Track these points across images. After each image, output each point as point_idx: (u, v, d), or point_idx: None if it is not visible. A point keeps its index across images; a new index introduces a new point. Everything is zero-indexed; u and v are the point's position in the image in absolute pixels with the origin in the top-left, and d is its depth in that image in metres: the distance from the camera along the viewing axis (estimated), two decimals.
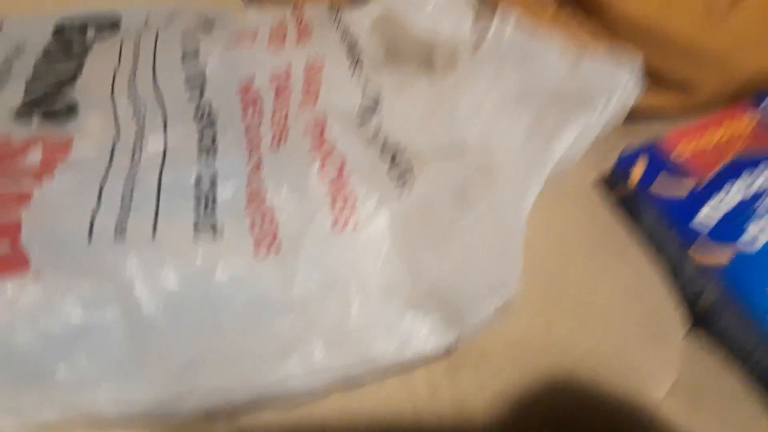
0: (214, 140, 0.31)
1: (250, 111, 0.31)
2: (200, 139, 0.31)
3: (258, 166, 0.29)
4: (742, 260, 0.31)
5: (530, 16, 0.44)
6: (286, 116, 0.29)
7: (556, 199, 0.38)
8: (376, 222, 0.26)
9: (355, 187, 0.27)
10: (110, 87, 0.35)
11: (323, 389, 0.26)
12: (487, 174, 0.25)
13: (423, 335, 0.26)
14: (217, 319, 0.25)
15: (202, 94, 0.33)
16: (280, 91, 0.30)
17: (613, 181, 0.38)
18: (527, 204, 0.24)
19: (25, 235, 0.26)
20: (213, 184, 0.29)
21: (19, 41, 0.41)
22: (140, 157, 0.31)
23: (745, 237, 0.31)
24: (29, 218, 0.26)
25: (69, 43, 0.40)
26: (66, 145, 0.31)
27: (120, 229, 0.26)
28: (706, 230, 0.32)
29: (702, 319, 0.34)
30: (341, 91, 0.29)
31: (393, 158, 0.27)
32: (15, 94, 0.36)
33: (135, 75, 0.35)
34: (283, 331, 0.25)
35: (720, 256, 0.31)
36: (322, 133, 0.28)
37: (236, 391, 0.26)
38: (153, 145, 0.31)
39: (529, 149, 0.25)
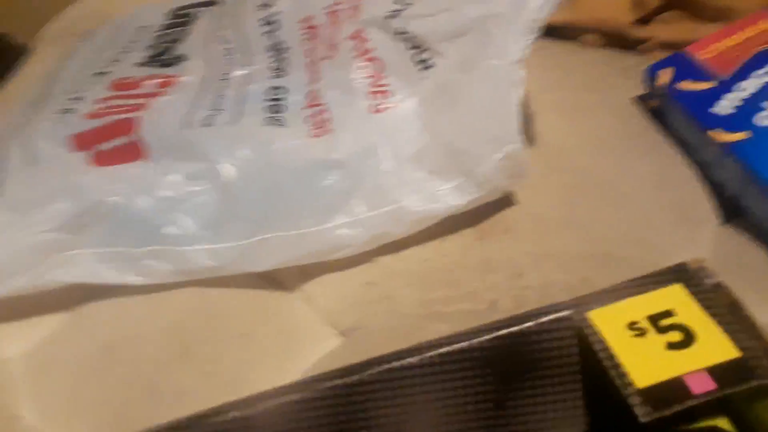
0: (283, 64, 0.39)
1: (310, 37, 0.38)
2: (273, 65, 0.39)
3: (316, 78, 0.36)
4: (757, 136, 0.33)
5: None
6: (336, 34, 0.36)
7: (595, 111, 0.42)
8: (405, 105, 0.32)
9: (389, 79, 0.33)
10: (203, 37, 0.43)
11: (365, 239, 0.32)
12: (482, 29, 0.29)
13: (445, 192, 0.31)
14: (280, 181, 0.31)
15: (274, 31, 0.40)
16: (331, 15, 0.37)
17: (648, 93, 0.42)
18: (516, 52, 0.29)
19: (142, 130, 0.34)
20: (281, 94, 0.36)
21: (143, 23, 0.51)
22: (228, 81, 0.39)
23: (760, 117, 0.34)
24: (145, 119, 0.35)
25: (179, 18, 0.50)
26: (175, 78, 0.40)
27: (207, 122, 0.34)
28: (726, 113, 0.35)
29: (735, 213, 0.36)
30: (376, 3, 0.35)
31: (417, 47, 0.33)
32: (139, 55, 0.46)
33: (227, 27, 0.43)
34: (331, 187, 0.31)
35: (737, 134, 0.34)
36: (362, 39, 0.34)
37: (298, 243, 0.32)
38: (239, 72, 0.39)
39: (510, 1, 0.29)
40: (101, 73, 0.43)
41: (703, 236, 0.35)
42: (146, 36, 0.49)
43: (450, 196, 0.31)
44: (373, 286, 0.33)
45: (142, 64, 0.43)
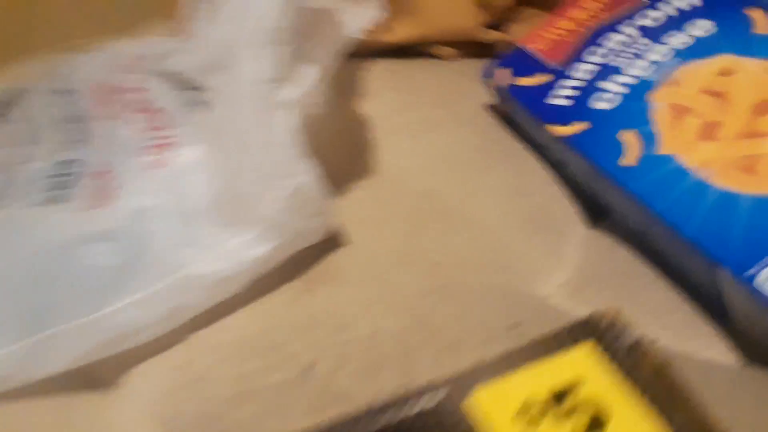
0: (77, 135, 0.34)
1: (103, 101, 0.34)
2: (61, 139, 0.34)
3: (106, 143, 0.32)
4: (595, 124, 0.30)
5: None
6: (122, 90, 0.32)
7: (444, 127, 0.38)
8: (190, 155, 0.28)
9: (173, 130, 0.29)
10: None
11: (159, 317, 0.27)
12: (228, 54, 0.25)
13: (241, 246, 0.26)
14: (47, 266, 0.26)
15: (69, 103, 0.36)
16: (120, 73, 0.33)
17: (497, 100, 0.38)
18: (263, 69, 0.24)
19: None
20: (73, 167, 0.32)
21: None
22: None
23: (597, 100, 0.30)
24: None
25: None
26: None
27: None
28: (561, 104, 0.31)
29: (600, 215, 0.32)
30: (155, 50, 0.31)
31: (193, 87, 0.29)
32: None
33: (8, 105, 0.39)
34: (107, 260, 0.26)
35: (574, 126, 0.30)
36: (142, 91, 0.30)
37: (83, 334, 0.27)
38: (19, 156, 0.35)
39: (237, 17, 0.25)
40: None
41: (568, 247, 0.31)
42: None
43: (245, 250, 0.26)
44: (187, 368, 0.28)
45: None
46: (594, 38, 0.33)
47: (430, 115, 0.39)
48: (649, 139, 0.27)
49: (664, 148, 0.27)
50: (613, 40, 0.32)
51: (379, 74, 0.45)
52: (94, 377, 0.30)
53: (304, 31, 0.29)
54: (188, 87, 0.29)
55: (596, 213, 0.31)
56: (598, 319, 0.17)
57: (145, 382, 0.29)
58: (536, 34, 0.36)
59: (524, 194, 0.33)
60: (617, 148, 0.28)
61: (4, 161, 0.32)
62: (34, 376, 0.28)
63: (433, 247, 0.30)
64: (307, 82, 0.27)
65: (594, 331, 0.16)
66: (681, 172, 0.25)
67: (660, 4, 0.32)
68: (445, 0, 0.46)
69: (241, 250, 0.26)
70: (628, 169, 0.27)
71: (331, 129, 0.33)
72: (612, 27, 0.33)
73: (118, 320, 0.27)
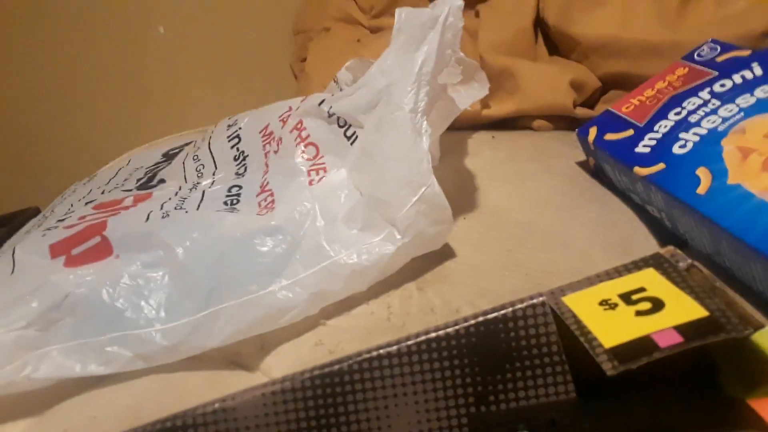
0: (244, 168, 0.43)
1: (267, 140, 0.43)
2: (235, 171, 0.43)
3: (267, 170, 0.40)
4: (671, 165, 0.35)
5: (517, 51, 0.54)
6: (283, 130, 0.41)
7: (539, 176, 0.45)
8: (337, 175, 0.35)
9: (325, 158, 0.37)
10: (182, 162, 0.49)
11: (305, 298, 0.33)
12: (387, 94, 0.33)
13: (375, 245, 0.33)
14: (224, 252, 0.34)
15: (237, 144, 0.45)
16: (282, 120, 0.42)
17: (586, 155, 0.44)
18: (411, 102, 0.31)
19: (107, 230, 0.38)
20: (238, 190, 0.40)
21: (139, 165, 0.58)
22: (195, 189, 0.43)
23: (673, 151, 0.36)
24: (110, 221, 0.38)
25: (167, 156, 0.56)
26: (150, 194, 0.44)
27: (166, 214, 0.37)
28: (645, 152, 0.37)
29: (677, 245, 0.36)
30: (312, 97, 0.40)
31: (344, 125, 0.37)
32: (128, 185, 0.51)
33: (200, 149, 0.49)
34: (271, 251, 0.33)
35: (655, 167, 0.36)
36: (301, 128, 0.39)
37: (245, 311, 0.34)
38: (206, 180, 0.44)
39: (403, 66, 0.33)
40: (90, 201, 0.48)
41: None
42: (139, 173, 0.54)
43: (379, 248, 0.33)
44: (321, 346, 0.34)
45: (128, 190, 0.49)
46: (673, 101, 0.39)
47: (525, 168, 0.45)
48: (719, 173, 0.32)
49: (731, 179, 0.32)
50: (690, 102, 0.38)
51: (480, 138, 0.52)
52: (238, 358, 0.37)
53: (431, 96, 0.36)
54: (337, 124, 0.37)
55: (674, 244, 0.36)
56: (660, 254, 0.21)
57: (285, 362, 0.35)
58: (624, 101, 0.42)
59: (609, 226, 0.38)
60: (693, 181, 0.33)
61: (196, 182, 0.42)
62: (200, 347, 0.35)
63: (527, 261, 0.35)
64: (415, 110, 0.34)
65: (654, 261, 0.21)
66: (746, 196, 0.30)
67: (729, 76, 0.38)
68: (543, 81, 0.53)
69: (375, 247, 0.33)
70: (701, 196, 0.32)
71: (440, 177, 0.40)
72: (689, 93, 0.39)
73: (273, 300, 0.33)
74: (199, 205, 0.39)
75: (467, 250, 0.37)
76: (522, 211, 0.40)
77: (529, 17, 0.57)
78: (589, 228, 0.38)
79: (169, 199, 0.42)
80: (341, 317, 0.35)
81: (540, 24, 0.58)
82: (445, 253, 0.36)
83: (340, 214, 0.34)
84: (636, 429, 0.17)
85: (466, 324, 0.21)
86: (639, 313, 0.19)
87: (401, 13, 0.34)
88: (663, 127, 0.38)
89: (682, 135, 0.36)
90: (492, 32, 0.57)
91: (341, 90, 0.40)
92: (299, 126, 0.39)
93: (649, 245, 0.36)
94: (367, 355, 0.20)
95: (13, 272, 0.38)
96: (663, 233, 0.37)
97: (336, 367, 0.20)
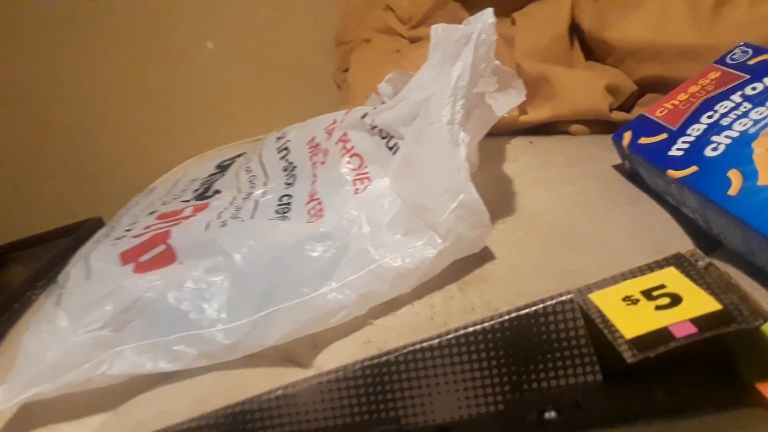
0: (293, 178, 0.46)
1: (314, 152, 0.46)
2: (284, 181, 0.46)
3: (315, 179, 0.43)
4: (703, 168, 0.36)
5: (553, 57, 0.56)
6: (329, 142, 0.43)
7: (576, 180, 0.46)
8: (380, 184, 0.38)
9: (369, 168, 0.39)
10: (235, 173, 0.52)
11: (354, 299, 0.36)
12: (425, 107, 0.35)
13: (418, 248, 0.35)
14: (279, 258, 0.37)
15: (286, 155, 0.48)
16: (327, 131, 0.45)
17: (622, 158, 0.45)
18: (448, 115, 0.34)
19: (172, 238, 0.41)
20: (288, 200, 0.43)
21: (194, 177, 0.61)
22: (249, 198, 0.46)
23: (705, 154, 0.37)
24: (173, 230, 0.42)
25: (221, 168, 0.60)
26: (206, 205, 0.48)
27: (224, 223, 0.41)
28: (678, 155, 0.38)
29: (713, 246, 0.38)
30: (356, 111, 0.43)
31: (386, 136, 0.39)
32: (186, 196, 0.55)
33: (251, 161, 0.52)
34: (321, 256, 0.36)
35: (688, 170, 0.37)
36: (346, 140, 0.41)
37: (298, 311, 0.36)
38: (259, 191, 0.47)
39: (440, 80, 0.35)
40: (153, 212, 0.51)
41: None
42: (195, 184, 0.58)
43: (421, 251, 0.35)
44: (369, 344, 0.36)
45: (186, 201, 0.52)
46: (706, 105, 0.40)
47: (562, 172, 0.47)
48: (750, 174, 0.33)
49: (762, 180, 0.33)
50: (722, 105, 0.39)
51: (518, 144, 0.54)
52: (293, 356, 0.39)
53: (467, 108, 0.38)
54: (379, 136, 0.40)
55: (708, 244, 0.37)
56: (681, 253, 0.23)
57: (336, 359, 0.37)
58: (657, 105, 0.43)
59: (645, 228, 0.39)
60: (725, 183, 0.34)
61: (249, 192, 0.45)
62: (258, 345, 0.37)
63: (564, 261, 0.37)
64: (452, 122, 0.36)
65: (675, 260, 0.23)
66: None
67: (760, 79, 0.39)
68: (579, 86, 0.55)
69: (417, 251, 0.35)
70: (732, 198, 0.33)
71: (479, 183, 0.42)
72: (721, 96, 0.40)
73: (324, 301, 0.36)
74: (253, 214, 0.42)
75: (506, 252, 0.39)
76: (559, 214, 0.42)
77: (564, 23, 0.59)
78: (624, 230, 0.39)
79: (225, 208, 0.45)
80: (388, 317, 0.37)
81: (575, 30, 0.60)
82: (485, 255, 0.38)
83: (384, 220, 0.37)
84: (652, 408, 0.18)
85: (500, 319, 0.23)
86: (658, 308, 0.21)
87: (437, 30, 0.36)
88: (696, 130, 0.39)
89: (714, 138, 0.37)
90: (528, 39, 0.59)
91: (382, 102, 0.43)
92: (344, 138, 0.42)
93: (685, 246, 0.38)
94: (412, 348, 0.23)
95: (88, 278, 0.42)
96: (698, 234, 0.38)
97: (384, 358, 0.23)
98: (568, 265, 0.36)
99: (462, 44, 0.34)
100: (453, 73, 0.34)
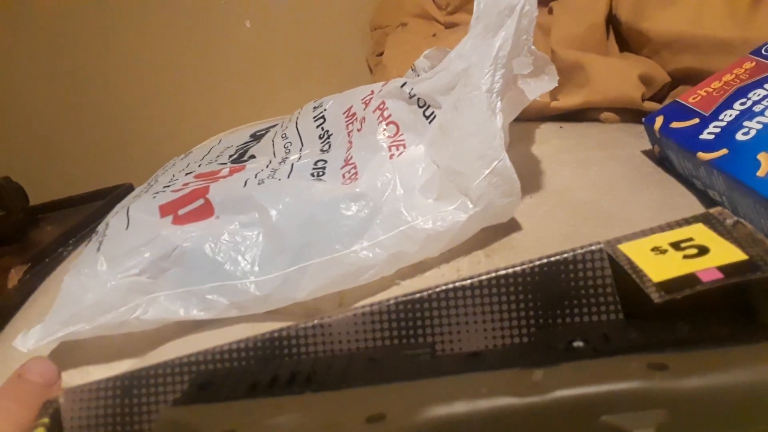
0: (329, 145, 0.47)
1: (350, 120, 0.47)
2: (320, 147, 0.47)
3: (350, 146, 0.44)
4: (733, 150, 0.37)
5: (588, 46, 0.57)
6: (366, 110, 0.45)
7: (605, 162, 0.47)
8: (416, 150, 0.39)
9: (405, 135, 0.41)
10: (271, 140, 0.53)
11: (384, 258, 0.37)
12: (465, 76, 0.36)
13: (449, 213, 0.36)
14: (314, 214, 0.38)
15: (322, 123, 0.50)
16: (364, 102, 0.46)
17: (653, 142, 0.46)
18: (487, 83, 0.35)
19: (210, 194, 0.43)
20: (323, 164, 0.44)
21: (230, 143, 0.63)
22: (285, 162, 0.47)
23: (736, 138, 0.38)
24: (212, 186, 0.43)
25: (256, 136, 0.61)
26: (243, 167, 0.49)
27: (261, 181, 0.42)
28: (709, 138, 0.39)
29: None
30: (394, 83, 0.44)
31: (423, 105, 0.40)
32: (222, 159, 0.56)
33: (287, 128, 0.53)
34: (355, 215, 0.37)
35: (718, 152, 0.38)
36: (383, 108, 0.43)
37: (330, 267, 0.38)
38: (293, 156, 0.48)
39: (481, 50, 0.36)
40: (190, 172, 0.53)
41: None
42: (231, 150, 0.60)
43: (452, 215, 0.36)
44: None
45: (223, 163, 0.54)
46: (739, 93, 0.41)
47: (591, 155, 0.48)
48: None
49: None
50: (756, 93, 0.40)
51: (548, 128, 0.55)
52: (318, 313, 0.40)
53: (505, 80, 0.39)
54: (421, 105, 0.41)
55: None
56: (709, 212, 0.24)
57: None
58: (691, 92, 0.44)
59: (671, 209, 0.40)
60: (754, 165, 0.35)
61: (284, 157, 0.46)
62: (289, 298, 0.39)
63: (589, 235, 0.38)
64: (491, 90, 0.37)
65: (705, 217, 0.24)
66: None
67: None
68: (613, 74, 0.55)
69: (449, 215, 0.36)
70: (761, 179, 0.34)
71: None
72: (754, 84, 0.40)
73: (355, 259, 0.37)
74: (289, 175, 0.43)
75: (533, 223, 0.40)
76: (587, 192, 0.43)
77: (601, 13, 0.59)
78: (651, 209, 0.40)
79: (262, 170, 0.46)
80: (414, 278, 0.39)
81: (612, 21, 0.60)
82: (512, 225, 0.39)
83: (417, 184, 0.38)
84: (675, 339, 0.19)
85: (530, 264, 0.24)
86: (686, 257, 0.22)
87: (480, 2, 0.37)
88: (728, 116, 0.40)
89: (745, 123, 0.38)
90: (565, 28, 0.60)
91: (419, 76, 0.44)
92: (381, 106, 0.43)
93: None
94: (444, 287, 0.24)
95: (127, 228, 0.43)
96: None
97: (417, 295, 0.24)
98: (594, 238, 0.37)
99: (505, 16, 0.35)
100: (495, 43, 0.35)
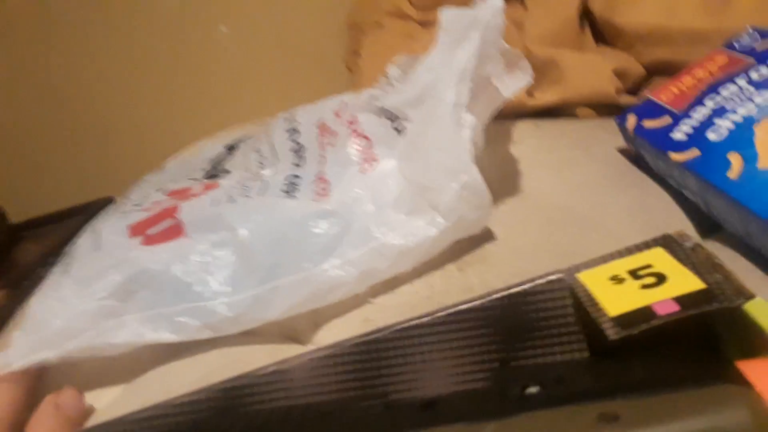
0: (300, 159, 0.46)
1: (322, 133, 0.46)
2: (293, 162, 0.47)
3: (323, 162, 0.43)
4: (705, 151, 0.36)
5: (563, 41, 0.56)
6: (337, 124, 0.44)
7: (580, 162, 0.46)
8: (386, 165, 0.38)
9: (376, 149, 0.40)
10: (244, 154, 0.53)
11: (355, 276, 0.36)
12: (432, 89, 0.36)
13: (419, 227, 0.36)
14: (284, 233, 0.37)
15: (295, 137, 0.49)
16: (336, 114, 0.45)
17: (627, 141, 0.46)
18: (453, 96, 0.34)
19: (180, 213, 0.42)
20: (296, 180, 0.44)
21: (205, 156, 0.62)
22: (257, 178, 0.47)
23: (708, 137, 0.37)
24: (182, 205, 0.43)
25: (231, 148, 0.60)
26: (215, 184, 0.49)
27: (232, 199, 0.41)
28: (681, 139, 0.38)
29: (712, 228, 0.38)
30: (363, 94, 0.43)
31: (393, 118, 0.40)
32: (196, 175, 0.55)
33: (261, 142, 0.52)
34: (325, 233, 0.37)
35: (690, 153, 0.37)
36: (354, 122, 0.42)
37: (301, 286, 0.37)
38: (266, 171, 0.48)
39: (447, 63, 0.35)
40: (163, 189, 0.52)
41: None
42: (204, 164, 0.59)
43: (423, 230, 0.35)
44: (369, 322, 0.37)
45: (195, 179, 0.53)
46: (711, 89, 0.40)
47: (567, 155, 0.47)
48: (750, 158, 0.33)
49: (761, 163, 0.33)
50: (727, 89, 0.39)
51: (524, 127, 0.54)
52: (294, 333, 0.40)
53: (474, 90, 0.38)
54: (391, 117, 0.40)
55: (708, 227, 0.37)
56: (669, 234, 0.23)
57: (335, 336, 0.38)
58: (663, 88, 0.43)
59: (647, 211, 0.39)
60: (725, 166, 0.34)
61: (257, 172, 0.46)
62: (261, 319, 0.38)
63: (565, 242, 0.37)
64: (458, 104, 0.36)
65: (663, 241, 0.23)
66: None
67: (766, 63, 0.38)
68: (587, 70, 0.55)
69: (420, 230, 0.36)
70: (732, 181, 0.33)
71: (483, 165, 0.42)
72: (726, 80, 0.40)
73: (325, 277, 0.37)
74: (261, 192, 0.42)
75: (507, 232, 0.39)
76: (562, 196, 0.42)
77: (574, 7, 0.59)
78: (627, 212, 0.39)
79: (234, 186, 0.46)
80: (387, 296, 0.38)
81: (586, 14, 0.60)
82: (486, 236, 0.39)
83: (388, 199, 0.37)
84: (630, 382, 0.19)
85: (490, 298, 0.23)
86: (644, 287, 0.21)
87: (445, 14, 0.36)
88: (700, 114, 0.39)
89: (717, 121, 0.37)
90: (538, 23, 0.59)
91: (390, 85, 0.43)
92: (353, 119, 0.42)
93: (686, 229, 0.38)
94: (402, 326, 0.23)
95: (96, 249, 0.42)
96: (699, 217, 0.38)
97: (375, 335, 0.23)
98: (569, 247, 0.37)
99: (470, 28, 0.34)
100: (461, 56, 0.34)
